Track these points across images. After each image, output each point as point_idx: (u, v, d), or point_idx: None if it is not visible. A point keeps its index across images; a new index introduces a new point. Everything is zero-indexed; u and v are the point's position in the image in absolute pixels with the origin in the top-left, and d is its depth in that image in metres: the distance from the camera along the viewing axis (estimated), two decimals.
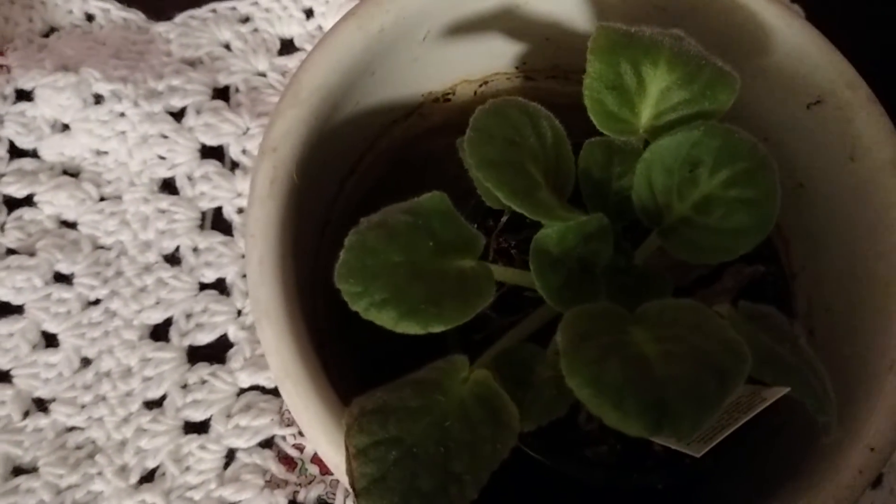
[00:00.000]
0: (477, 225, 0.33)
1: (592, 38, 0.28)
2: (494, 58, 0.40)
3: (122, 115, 0.40)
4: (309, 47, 0.44)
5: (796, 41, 0.34)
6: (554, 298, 0.26)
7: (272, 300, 0.29)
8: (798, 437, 0.31)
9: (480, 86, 0.41)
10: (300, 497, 0.37)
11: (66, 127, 0.41)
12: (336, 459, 0.27)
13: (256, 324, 0.29)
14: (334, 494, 0.37)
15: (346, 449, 0.27)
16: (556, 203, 0.27)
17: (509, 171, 0.26)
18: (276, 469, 0.37)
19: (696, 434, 0.24)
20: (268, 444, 0.38)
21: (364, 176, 0.41)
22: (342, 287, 0.25)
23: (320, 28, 0.44)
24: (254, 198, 0.30)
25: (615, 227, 0.29)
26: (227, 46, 0.43)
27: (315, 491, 0.37)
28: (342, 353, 0.36)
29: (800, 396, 0.24)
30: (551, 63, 0.41)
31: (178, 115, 0.41)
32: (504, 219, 0.33)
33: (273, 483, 0.37)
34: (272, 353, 0.28)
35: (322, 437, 0.28)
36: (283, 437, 0.38)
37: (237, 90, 0.42)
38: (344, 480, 0.27)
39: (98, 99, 0.41)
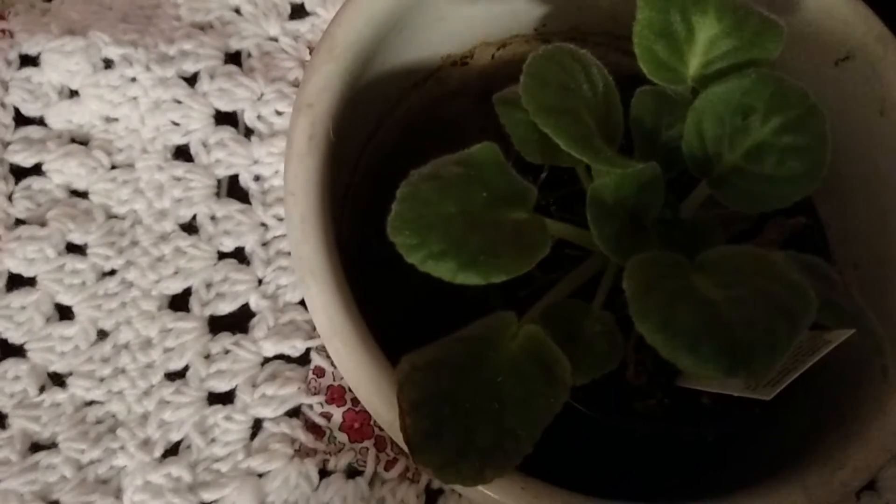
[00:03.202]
0: None
1: None
2: (516, 19, 0.39)
3: (134, 80, 0.39)
4: (320, 11, 0.43)
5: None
6: (610, 248, 0.26)
7: (317, 257, 0.28)
8: (841, 387, 0.31)
9: (498, 49, 0.41)
10: (330, 465, 0.36)
11: (74, 93, 0.40)
12: (389, 416, 0.27)
13: (300, 282, 0.28)
14: (365, 462, 0.36)
15: (399, 405, 0.26)
16: (613, 152, 0.26)
17: (567, 118, 0.25)
18: (305, 438, 0.36)
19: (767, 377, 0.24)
20: (295, 413, 0.37)
21: (383, 141, 0.40)
22: (397, 239, 0.25)
23: None
24: (291, 155, 0.29)
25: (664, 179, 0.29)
26: (238, 11, 0.42)
27: (345, 459, 0.36)
28: (367, 323, 0.36)
29: (861, 339, 0.24)
30: (571, 25, 0.40)
31: (191, 81, 0.40)
32: (543, 175, 0.32)
33: (302, 452, 0.36)
34: (319, 311, 0.28)
35: (374, 395, 0.27)
36: (311, 406, 0.37)
37: (250, 55, 0.41)
38: (397, 437, 0.26)
39: (108, 63, 0.39)
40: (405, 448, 0.26)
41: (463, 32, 0.39)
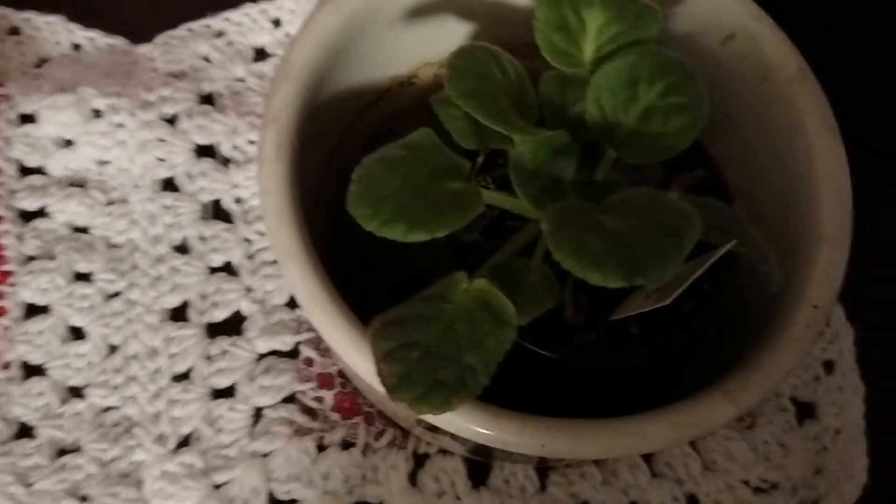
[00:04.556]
0: None
1: None
2: (450, 38, 0.45)
3: (121, 125, 0.44)
4: (280, 52, 0.48)
5: None
6: (534, 203, 0.31)
7: (293, 242, 0.33)
8: (756, 312, 0.36)
9: (440, 68, 0.46)
10: (326, 441, 0.41)
11: (69, 143, 0.45)
12: (366, 367, 0.31)
13: (280, 265, 0.33)
14: (357, 435, 0.41)
15: (374, 355, 0.31)
16: (526, 124, 0.32)
17: (484, 99, 0.31)
18: (302, 419, 0.41)
19: (664, 287, 0.29)
20: (290, 399, 0.41)
21: (347, 157, 0.45)
22: (355, 212, 0.30)
23: (288, 35, 0.49)
24: (263, 161, 0.35)
25: (577, 147, 0.34)
26: (207, 59, 0.48)
27: (339, 434, 0.41)
28: None
29: (745, 250, 0.29)
30: (500, 41, 0.46)
31: (172, 121, 0.45)
32: (480, 159, 0.38)
33: (300, 432, 0.40)
34: (299, 287, 0.33)
35: (353, 350, 0.32)
36: (304, 392, 0.41)
37: (221, 95, 0.47)
38: (374, 384, 0.31)
39: (97, 113, 0.45)
40: (382, 390, 0.31)
41: (405, 54, 0.44)
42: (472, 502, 0.40)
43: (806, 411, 0.45)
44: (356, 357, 0.32)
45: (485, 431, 0.31)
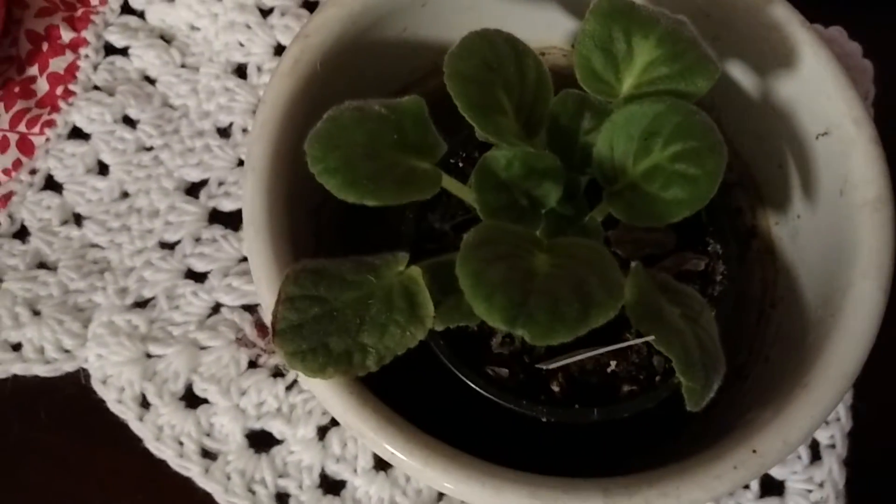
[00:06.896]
0: (465, 154, 0.36)
1: (595, 1, 0.30)
2: (551, 30, 0.42)
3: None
4: None
5: (819, 71, 0.35)
6: (486, 214, 0.29)
7: (261, 157, 0.33)
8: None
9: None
10: (260, 361, 0.41)
11: None
12: (269, 301, 0.31)
13: (242, 174, 0.33)
14: (289, 369, 0.40)
15: (279, 294, 0.30)
16: (514, 130, 0.29)
17: (476, 87, 0.28)
18: (249, 331, 0.41)
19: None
20: (250, 308, 0.42)
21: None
22: (308, 150, 0.29)
23: None
24: (276, 73, 0.34)
25: (576, 179, 0.31)
26: None
27: (274, 360, 0.41)
28: None
29: (667, 352, 0.26)
30: None
31: (265, 13, 0.46)
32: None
33: (242, 342, 0.41)
34: (247, 200, 0.32)
35: (264, 282, 0.31)
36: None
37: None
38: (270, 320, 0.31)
39: None
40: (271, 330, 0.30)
41: (494, 27, 0.42)
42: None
43: None
44: (265, 290, 0.31)
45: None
